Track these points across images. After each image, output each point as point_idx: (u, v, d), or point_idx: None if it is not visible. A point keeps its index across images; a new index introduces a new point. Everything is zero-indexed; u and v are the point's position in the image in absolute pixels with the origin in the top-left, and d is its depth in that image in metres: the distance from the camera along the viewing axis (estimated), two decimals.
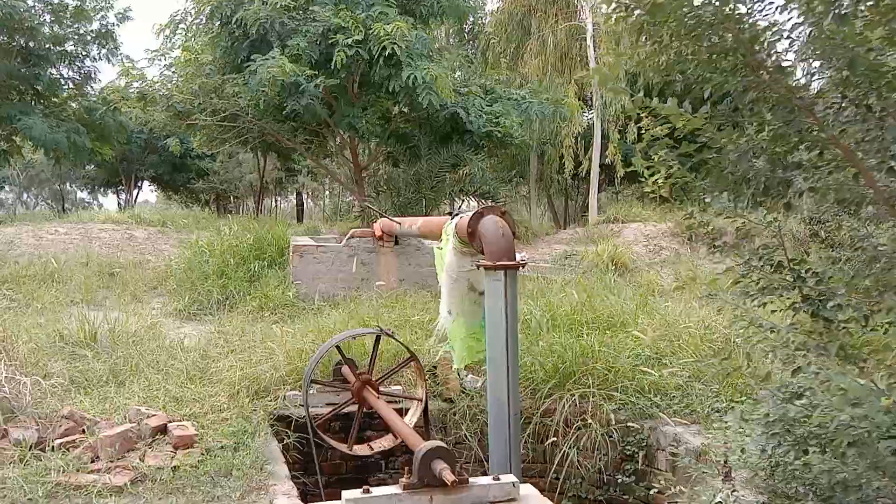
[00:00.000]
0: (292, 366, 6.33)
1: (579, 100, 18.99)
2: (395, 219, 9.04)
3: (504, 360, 5.08)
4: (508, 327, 5.08)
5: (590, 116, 21.59)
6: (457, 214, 6.22)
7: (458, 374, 6.83)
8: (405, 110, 15.53)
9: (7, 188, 42.58)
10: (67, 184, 40.62)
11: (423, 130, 15.47)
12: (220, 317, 9.44)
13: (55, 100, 24.03)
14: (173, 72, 14.44)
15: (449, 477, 3.43)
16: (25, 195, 41.56)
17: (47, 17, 22.61)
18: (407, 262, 10.50)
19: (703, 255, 13.77)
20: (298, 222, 34.94)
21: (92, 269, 11.50)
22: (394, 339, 5.75)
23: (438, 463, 3.52)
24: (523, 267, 5.24)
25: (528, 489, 3.74)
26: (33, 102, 23.67)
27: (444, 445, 3.62)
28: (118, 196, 41.88)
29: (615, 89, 3.58)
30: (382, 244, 10.36)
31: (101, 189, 43.06)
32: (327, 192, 48.19)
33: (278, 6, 13.33)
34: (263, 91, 12.83)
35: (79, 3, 22.95)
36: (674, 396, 6.15)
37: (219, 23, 14.06)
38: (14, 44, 21.95)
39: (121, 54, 24.10)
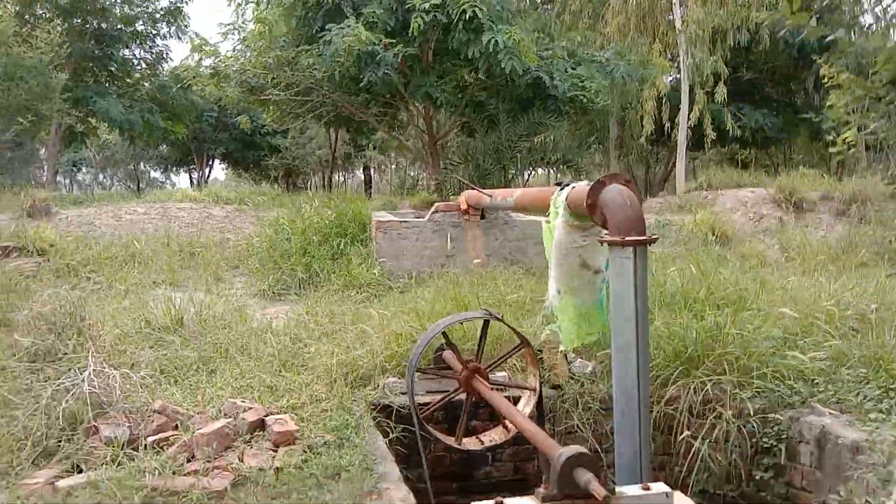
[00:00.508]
0: (390, 351, 5.86)
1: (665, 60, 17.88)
2: (485, 191, 8.45)
3: (633, 350, 4.47)
4: (639, 312, 4.46)
5: (671, 78, 20.44)
6: (567, 185, 5.61)
7: (566, 358, 6.26)
8: (482, 77, 14.85)
9: (84, 169, 43.81)
10: (142, 164, 41.47)
11: (501, 97, 14.77)
12: (306, 296, 9.09)
13: (128, 80, 24.28)
14: (247, 45, 14.10)
15: (599, 491, 2.91)
16: (101, 176, 42.62)
17: None
18: (495, 236, 9.93)
19: (808, 222, 12.79)
20: (367, 196, 34.86)
21: (173, 248, 11.34)
22: (504, 323, 5.20)
23: (582, 472, 3.01)
24: (653, 242, 4.61)
25: (681, 499, 3.22)
26: (107, 84, 23.97)
27: (587, 452, 3.09)
28: (190, 175, 42.55)
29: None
30: (468, 218, 9.81)
31: (174, 168, 43.82)
32: (393, 166, 47.99)
33: None
34: (339, 62, 12.37)
35: None
36: (817, 383, 5.44)
37: None
38: (87, 26, 22.16)
39: (190, 31, 24.21)
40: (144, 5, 23.48)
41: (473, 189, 9.21)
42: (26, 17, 19.58)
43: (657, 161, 24.95)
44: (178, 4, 23.84)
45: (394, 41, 12.50)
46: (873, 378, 5.37)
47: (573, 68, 14.12)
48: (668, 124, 19.32)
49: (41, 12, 20.69)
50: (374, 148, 34.62)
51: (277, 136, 32.66)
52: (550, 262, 5.71)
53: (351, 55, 12.18)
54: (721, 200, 13.87)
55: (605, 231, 4.73)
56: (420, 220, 9.85)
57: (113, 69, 23.66)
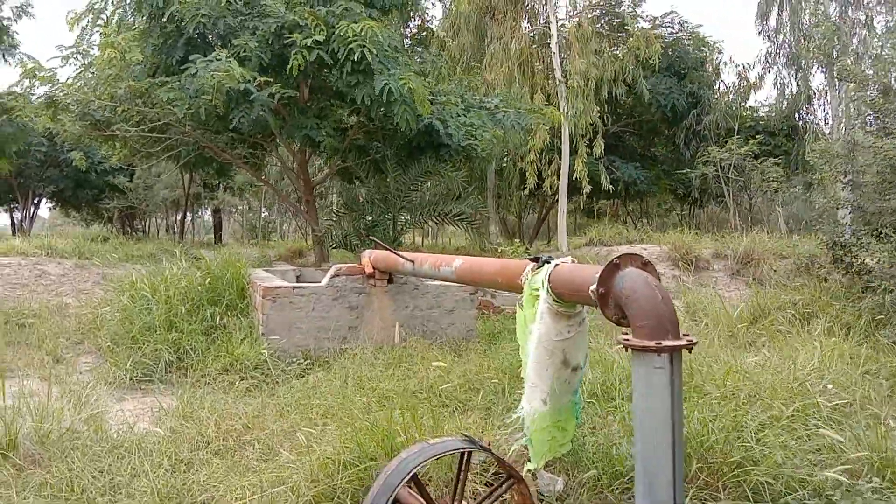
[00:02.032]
0: (319, 487, 4.40)
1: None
2: (404, 254, 7.17)
3: (669, 488, 3.40)
4: (675, 438, 3.39)
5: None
6: (546, 261, 4.51)
7: (532, 475, 5.08)
8: (363, 120, 13.67)
9: None
10: None
11: (387, 143, 13.59)
12: (176, 384, 7.35)
13: None
14: (92, 73, 11.99)
15: None
16: None
17: None
18: (404, 304, 8.64)
19: (705, 281, 12.52)
20: (217, 241, 32.24)
21: None
22: (492, 455, 3.92)
23: None
24: (693, 347, 3.57)
25: None
26: None
27: None
28: (11, 215, 37.84)
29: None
30: (374, 283, 8.47)
31: None
32: (244, 208, 45.42)
33: (222, 3, 11.25)
34: (205, 99, 10.70)
35: None
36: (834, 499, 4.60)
37: (148, 16, 11.78)
38: None
39: (19, 53, 21.22)
40: None
41: (384, 249, 7.87)
42: None
43: (531, 212, 24.77)
44: (5, 22, 20.83)
45: (270, 80, 11.02)
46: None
47: (463, 114, 13.23)
48: (546, 177, 18.95)
49: None
50: (226, 189, 32.33)
51: (117, 174, 29.64)
52: (526, 361, 4.53)
53: (220, 93, 10.56)
54: (613, 256, 13.40)
55: (626, 335, 3.63)
56: (316, 285, 8.38)
57: None
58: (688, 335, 3.54)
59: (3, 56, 21.31)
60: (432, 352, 7.92)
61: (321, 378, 7.26)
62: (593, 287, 3.76)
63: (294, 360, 7.94)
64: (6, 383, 7.47)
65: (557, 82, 17.25)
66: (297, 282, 11.21)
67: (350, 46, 10.87)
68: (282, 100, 11.29)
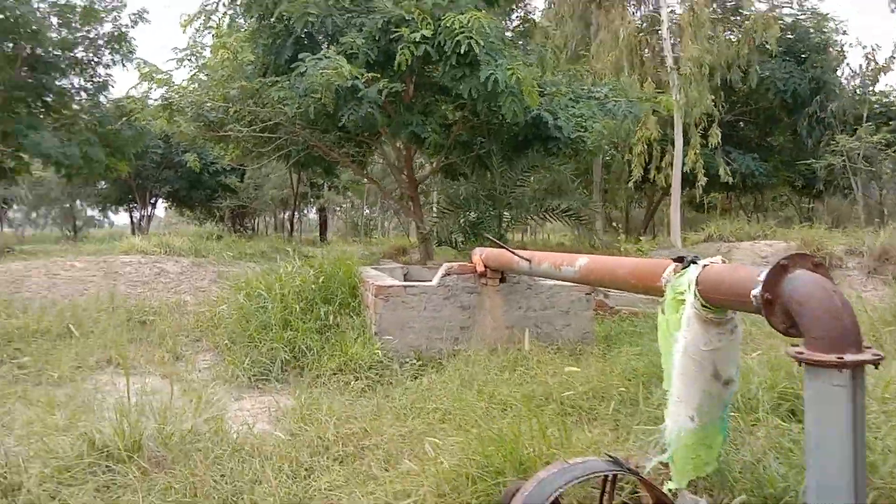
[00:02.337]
0: (445, 502, 4.16)
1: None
2: (521, 252, 6.85)
3: None
4: (857, 472, 2.93)
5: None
6: (691, 261, 4.09)
7: (673, 495, 4.66)
8: (467, 115, 13.44)
9: (15, 206, 40.67)
10: (78, 202, 38.66)
11: (492, 138, 13.30)
12: (292, 384, 7.35)
13: (66, 112, 22.09)
14: (206, 74, 12.29)
15: None
16: (34, 214, 39.61)
17: (54, 21, 20.62)
18: (517, 304, 8.33)
19: (839, 281, 11.57)
20: (322, 239, 32.92)
21: (118, 315, 9.39)
22: (641, 480, 3.57)
23: None
24: (880, 362, 3.08)
25: None
26: (42, 116, 21.75)
27: None
28: (131, 213, 40.01)
29: None
30: (486, 282, 8.21)
31: (113, 207, 41.21)
32: (347, 206, 46.20)
33: (329, 1, 11.24)
34: (314, 98, 10.73)
35: (88, 3, 20.94)
36: None
37: (257, 16, 11.96)
38: (19, 52, 19.99)
39: (136, 59, 22.18)
40: (85, 30, 21.43)
41: (498, 247, 7.57)
42: None
43: (639, 206, 23.89)
44: (123, 29, 21.86)
45: (378, 76, 10.94)
46: None
47: (572, 105, 12.77)
48: (653, 169, 18.16)
49: None
50: (331, 188, 32.95)
51: (228, 175, 30.73)
52: (670, 372, 4.13)
53: (329, 90, 10.56)
54: (736, 254, 12.62)
55: (800, 346, 3.19)
56: (428, 284, 8.19)
57: (49, 100, 21.45)
58: (870, 347, 3.08)
59: (122, 61, 22.36)
60: (548, 355, 7.59)
61: (435, 380, 7.06)
62: (756, 292, 3.32)
63: (406, 360, 7.79)
64: (129, 380, 7.70)
65: (669, 70, 16.46)
66: (405, 280, 11.10)
67: (457, 38, 10.64)
68: (388, 96, 11.20)
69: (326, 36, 11.81)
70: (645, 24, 18.14)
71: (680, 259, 4.24)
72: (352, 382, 7.25)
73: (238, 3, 11.53)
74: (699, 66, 15.89)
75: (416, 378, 7.39)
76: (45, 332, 8.50)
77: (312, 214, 49.42)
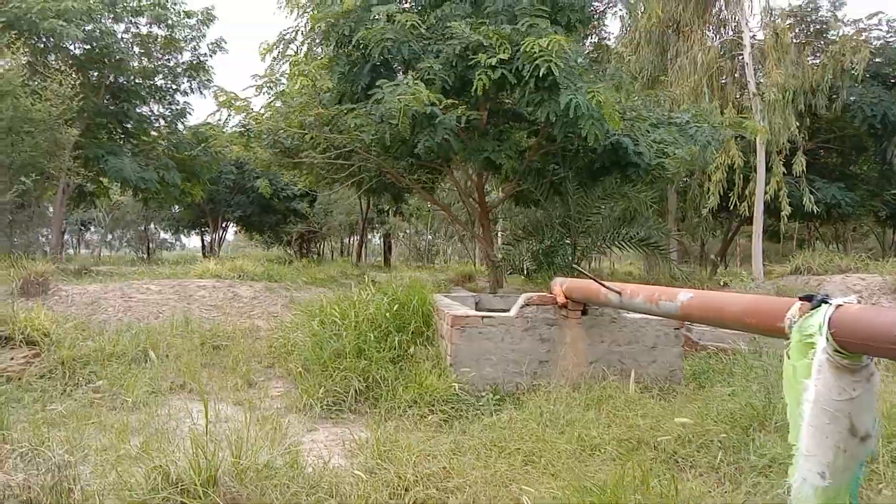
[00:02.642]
0: None
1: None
2: (611, 284, 6.49)
3: None
4: None
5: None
6: (818, 299, 3.68)
7: None
8: (541, 142, 13.18)
9: (92, 228, 42.18)
10: (152, 225, 39.85)
11: (566, 165, 12.98)
12: (365, 415, 7.13)
13: (145, 138, 22.78)
14: (283, 102, 12.38)
15: None
16: (110, 236, 40.98)
17: (136, 50, 21.34)
18: (600, 338, 7.94)
19: None
20: (385, 264, 33.00)
21: (192, 339, 9.38)
22: None
23: None
24: None
25: None
26: (122, 141, 22.46)
27: None
28: (202, 237, 41.01)
29: None
30: (567, 314, 7.86)
31: (185, 230, 42.36)
32: (411, 232, 46.36)
33: (406, 25, 11.18)
34: (392, 124, 10.64)
35: (169, 33, 21.61)
36: None
37: (336, 45, 12.00)
38: (103, 79, 20.73)
39: (213, 86, 22.80)
40: (165, 59, 22.11)
41: (585, 278, 7.21)
42: (38, 68, 18.11)
43: (713, 236, 23.07)
44: (202, 58, 22.47)
45: (455, 101, 10.80)
46: None
47: (652, 130, 12.35)
48: (732, 196, 17.45)
49: (54, 63, 19.27)
50: (396, 214, 33.08)
51: (298, 200, 31.22)
52: (797, 423, 3.71)
53: (406, 116, 10.45)
54: (828, 288, 11.90)
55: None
56: (506, 315, 7.88)
57: (129, 126, 22.15)
58: None
59: (199, 89, 22.95)
60: (637, 395, 7.17)
61: (515, 417, 6.73)
62: None
63: (483, 394, 7.48)
64: (201, 406, 7.61)
65: (751, 95, 15.87)
66: (477, 308, 10.82)
67: (535, 62, 10.43)
68: (464, 123, 11.04)
69: (402, 62, 11.76)
70: (724, 50, 17.59)
71: (808, 297, 3.85)
72: (427, 416, 6.98)
73: (316, 31, 11.59)
74: (783, 91, 15.26)
75: (494, 414, 7.08)
76: (121, 356, 8.51)
77: (376, 239, 49.81)
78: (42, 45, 19.04)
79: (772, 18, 17.71)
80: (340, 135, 11.86)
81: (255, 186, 30.37)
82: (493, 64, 10.59)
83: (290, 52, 12.88)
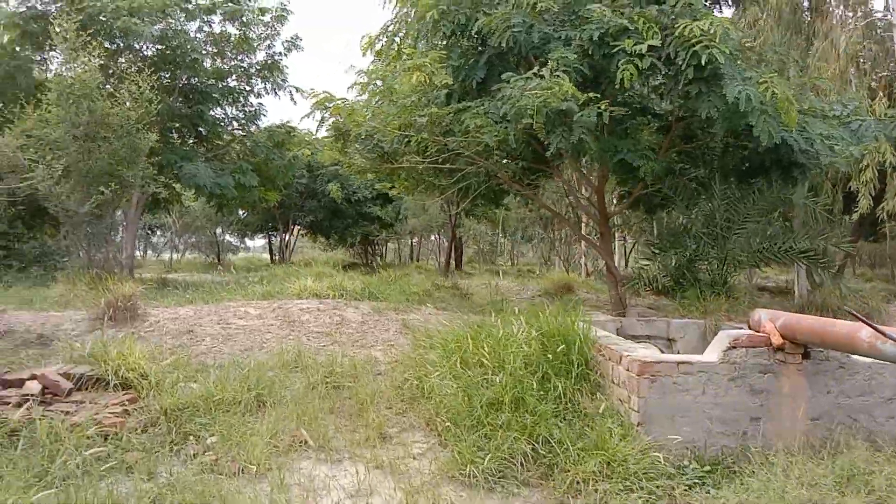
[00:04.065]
0: None
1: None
2: (887, 329, 4.87)
3: None
4: None
5: None
6: None
7: None
8: (675, 139, 11.58)
9: (158, 233, 41.85)
10: (219, 229, 39.28)
11: (707, 165, 11.35)
12: (539, 489, 5.74)
13: (219, 142, 21.83)
14: (392, 100, 10.99)
15: None
16: (177, 241, 40.64)
17: (210, 49, 20.36)
18: (826, 388, 6.36)
19: None
20: (457, 267, 31.55)
21: (308, 376, 8.09)
22: None
23: None
24: None
25: None
26: (195, 146, 21.57)
27: None
28: (269, 241, 40.32)
29: None
30: (784, 358, 6.30)
31: (251, 234, 41.81)
32: (472, 235, 44.88)
33: (537, 7, 9.73)
34: (526, 122, 9.20)
35: (242, 31, 20.57)
36: None
37: (447, 35, 10.61)
38: (176, 81, 19.80)
39: (289, 86, 21.71)
40: (239, 59, 21.08)
41: (854, 319, 5.45)
42: (110, 70, 17.22)
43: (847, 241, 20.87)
44: (276, 57, 21.37)
45: (597, 96, 9.30)
46: None
47: (815, 125, 10.61)
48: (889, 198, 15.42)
49: (125, 65, 18.39)
50: (468, 215, 31.68)
51: (367, 204, 30.14)
52: None
53: (539, 115, 8.98)
54: None
55: None
56: (708, 361, 6.34)
57: (202, 130, 21.20)
58: None
59: (275, 90, 21.89)
60: (879, 466, 5.59)
61: (744, 501, 5.25)
62: None
63: (684, 462, 5.99)
64: (334, 470, 6.33)
65: None
66: (618, 335, 9.34)
67: (693, 49, 8.85)
68: (606, 119, 9.53)
69: (525, 53, 10.28)
70: (867, 34, 15.55)
71: None
72: (623, 494, 5.54)
73: (427, 19, 10.20)
74: None
75: (709, 492, 5.59)
76: (231, 403, 7.25)
77: (434, 238, 48.59)
78: (115, 47, 18.17)
79: None
80: (454, 137, 10.45)
81: (326, 190, 29.40)
82: (641, 52, 9.04)
83: (394, 46, 11.53)
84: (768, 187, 10.96)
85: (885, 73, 15.18)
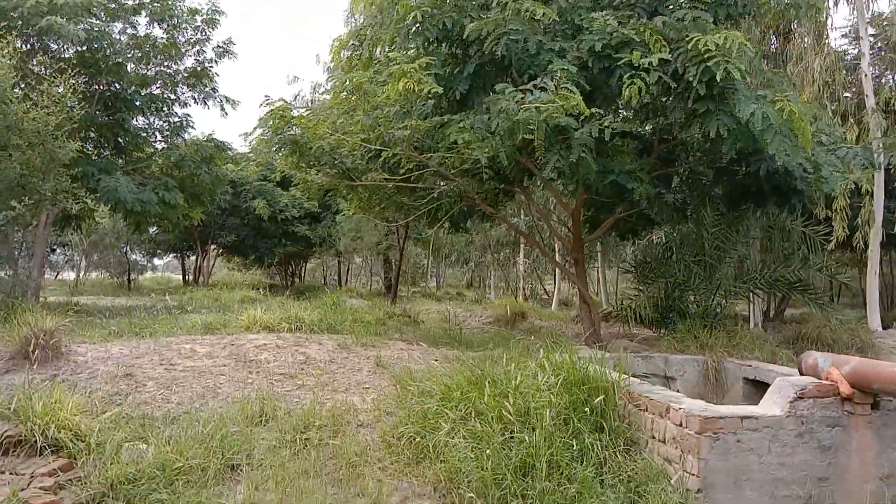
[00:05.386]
0: None
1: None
2: None
3: None
4: None
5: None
6: None
7: None
8: (655, 161, 10.97)
9: (58, 251, 38.64)
10: (128, 248, 36.55)
11: (694, 189, 10.77)
12: None
13: (139, 154, 19.98)
14: (367, 110, 9.82)
15: None
16: (84, 261, 37.67)
17: (134, 53, 18.63)
18: (894, 442, 5.66)
19: None
20: (388, 292, 30.34)
21: (279, 431, 6.82)
22: None
23: None
24: None
25: None
26: (113, 157, 19.64)
27: None
28: (183, 260, 38.01)
29: None
30: (853, 410, 5.56)
31: (160, 253, 39.35)
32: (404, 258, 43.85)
33: (540, 14, 8.89)
34: (522, 138, 8.31)
35: (169, 35, 18.95)
36: None
37: (429, 41, 9.60)
38: (95, 87, 17.96)
39: (219, 95, 20.14)
40: (165, 64, 19.38)
41: None
42: (22, 71, 15.32)
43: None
44: (207, 65, 19.76)
45: (599, 111, 8.53)
46: None
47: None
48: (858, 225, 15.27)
49: (37, 67, 16.52)
50: (408, 238, 30.58)
51: (296, 223, 28.65)
52: None
53: (541, 130, 8.11)
54: None
55: None
56: (773, 415, 5.50)
57: (122, 140, 19.31)
58: None
59: (204, 100, 20.27)
60: None
61: None
62: None
63: None
64: None
65: (871, 111, 13.93)
66: None
67: (705, 64, 8.20)
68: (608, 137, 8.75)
69: (506, 66, 9.42)
70: (840, 58, 15.49)
71: None
72: None
73: (406, 23, 9.17)
74: None
75: None
76: (194, 471, 5.91)
77: (357, 260, 47.29)
78: (28, 47, 16.28)
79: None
80: (435, 153, 9.42)
81: (251, 207, 27.65)
82: (647, 66, 8.31)
83: (362, 52, 10.41)
84: (762, 213, 10.52)
85: (855, 100, 15.18)
